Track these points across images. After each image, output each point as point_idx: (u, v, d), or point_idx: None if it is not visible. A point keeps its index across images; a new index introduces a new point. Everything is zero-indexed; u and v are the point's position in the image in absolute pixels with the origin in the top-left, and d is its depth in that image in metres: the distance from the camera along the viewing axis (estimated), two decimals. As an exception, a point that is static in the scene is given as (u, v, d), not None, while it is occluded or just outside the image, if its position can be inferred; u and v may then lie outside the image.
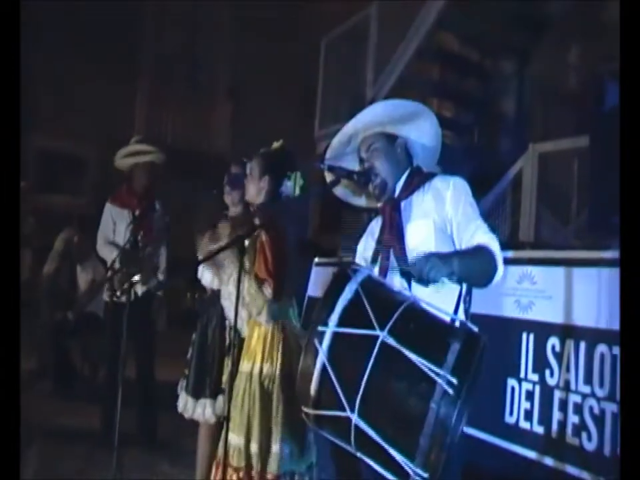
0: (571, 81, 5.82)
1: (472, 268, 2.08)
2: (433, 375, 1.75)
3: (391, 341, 1.81)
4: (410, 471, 1.76)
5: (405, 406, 1.78)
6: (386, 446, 1.79)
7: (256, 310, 3.11)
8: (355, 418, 1.81)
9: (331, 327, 1.85)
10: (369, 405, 1.79)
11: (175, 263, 5.06)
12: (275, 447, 3.06)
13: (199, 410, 3.66)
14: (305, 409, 1.91)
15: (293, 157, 3.40)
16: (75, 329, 6.36)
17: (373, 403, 1.80)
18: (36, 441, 4.63)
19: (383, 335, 1.81)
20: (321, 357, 1.84)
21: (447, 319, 1.98)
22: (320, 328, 1.86)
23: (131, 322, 4.50)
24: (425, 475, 1.74)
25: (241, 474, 3.02)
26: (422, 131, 2.38)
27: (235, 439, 3.05)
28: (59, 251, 6.76)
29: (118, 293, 4.35)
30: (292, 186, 3.28)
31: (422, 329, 1.90)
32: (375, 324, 1.83)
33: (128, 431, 4.20)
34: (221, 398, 3.58)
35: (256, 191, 3.31)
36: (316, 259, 5.41)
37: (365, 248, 2.44)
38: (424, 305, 1.99)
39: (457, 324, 1.99)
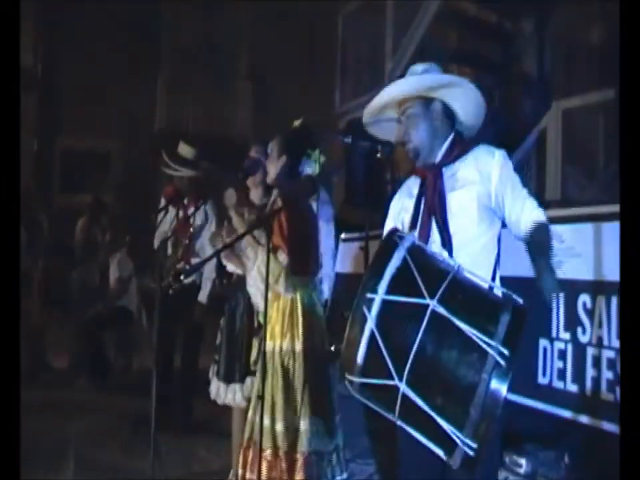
0: (593, 35, 5.66)
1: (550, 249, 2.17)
2: (484, 345, 1.74)
3: (442, 310, 1.80)
4: (458, 441, 1.75)
5: (456, 376, 1.77)
6: (434, 415, 1.77)
7: (273, 278, 3.08)
8: (403, 387, 1.79)
9: (380, 294, 1.83)
10: (417, 373, 1.78)
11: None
12: (303, 425, 3.04)
13: (230, 395, 3.69)
14: (350, 377, 1.89)
15: (312, 135, 3.37)
16: (108, 323, 6.47)
17: (422, 372, 1.78)
18: (73, 436, 4.73)
19: (433, 304, 1.80)
20: (370, 325, 1.82)
21: (486, 285, 1.98)
22: (369, 295, 1.84)
23: (177, 312, 4.59)
24: (474, 445, 1.74)
25: (269, 456, 3.03)
26: (460, 95, 2.34)
27: (266, 421, 3.03)
28: (79, 241, 6.87)
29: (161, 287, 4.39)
30: (312, 164, 3.26)
31: (470, 298, 1.89)
32: (425, 292, 1.82)
33: (164, 418, 4.28)
34: (249, 381, 3.59)
35: (275, 171, 3.30)
36: (342, 235, 5.37)
37: (401, 209, 2.40)
38: (467, 274, 1.98)
39: (500, 294, 2.00)
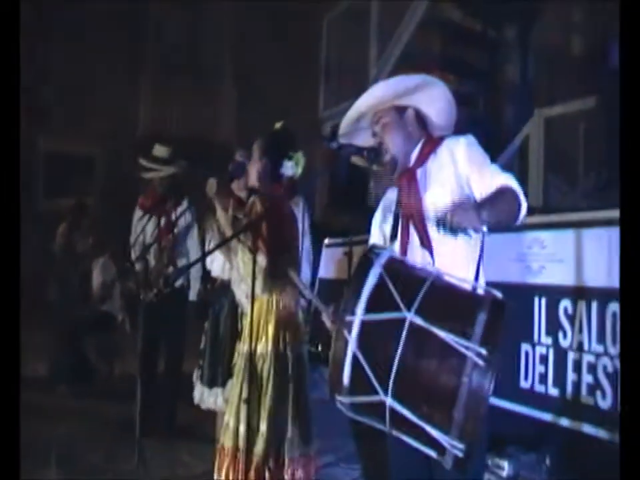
0: (575, 43, 5.74)
1: (500, 211, 2.08)
2: (462, 349, 1.78)
3: (419, 321, 1.83)
4: (446, 444, 1.79)
5: (437, 383, 1.80)
6: (421, 423, 1.81)
7: (250, 279, 3.10)
8: (389, 400, 1.83)
9: (358, 316, 1.87)
10: (401, 386, 1.82)
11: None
12: (262, 426, 3.08)
13: (212, 399, 3.70)
14: (339, 398, 1.94)
15: (292, 138, 3.39)
16: (91, 328, 6.44)
17: (406, 384, 1.82)
18: (54, 442, 4.68)
19: (410, 316, 1.83)
20: (351, 347, 1.86)
21: (469, 287, 2.00)
22: (348, 318, 1.88)
23: (160, 316, 4.57)
24: (461, 446, 1.77)
25: (227, 452, 3.09)
26: (432, 98, 2.37)
27: (232, 420, 3.09)
28: (59, 245, 6.83)
29: (142, 293, 4.38)
30: (293, 166, 3.27)
31: (447, 303, 1.92)
32: (402, 305, 1.85)
33: (148, 423, 4.26)
34: (230, 384, 3.60)
35: (257, 174, 3.31)
36: (326, 240, 5.39)
37: (382, 223, 2.43)
38: (447, 278, 2.00)
39: (481, 291, 2.01)
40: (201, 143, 10.35)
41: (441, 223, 2.04)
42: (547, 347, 3.10)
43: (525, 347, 3.21)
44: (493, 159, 5.14)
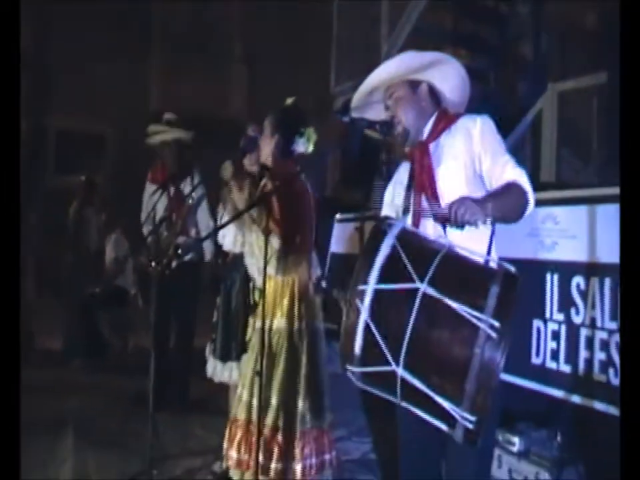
0: (589, 17, 5.63)
1: (505, 207, 2.09)
2: (475, 320, 1.77)
3: (432, 291, 1.82)
4: (457, 416, 1.78)
5: (449, 354, 1.79)
6: (432, 394, 1.80)
7: (264, 261, 3.10)
8: (400, 371, 1.83)
9: (371, 285, 1.86)
10: (413, 356, 1.81)
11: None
12: (273, 401, 3.10)
13: (226, 373, 3.71)
14: (350, 367, 1.93)
15: (304, 113, 3.36)
16: (104, 303, 6.46)
17: (418, 354, 1.81)
18: (71, 415, 4.76)
19: (423, 287, 1.82)
20: (363, 316, 1.85)
21: (482, 260, 1.99)
22: (360, 287, 1.87)
23: (172, 290, 4.59)
24: (472, 419, 1.76)
25: (242, 426, 3.12)
26: (445, 74, 2.37)
27: (245, 393, 3.10)
28: (72, 222, 6.86)
29: (153, 264, 4.39)
30: (304, 142, 3.24)
31: (460, 275, 1.91)
32: (415, 276, 1.84)
33: (161, 396, 4.29)
34: (244, 358, 3.61)
35: (269, 150, 3.28)
36: (337, 215, 5.37)
37: (394, 196, 2.43)
38: (459, 250, 1.99)
39: (494, 265, 2.00)
40: (211, 120, 10.29)
41: (446, 218, 2.03)
42: (559, 323, 3.06)
43: (536, 323, 3.18)
44: (506, 135, 5.09)
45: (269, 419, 3.08)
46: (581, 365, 2.90)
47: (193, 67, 12.07)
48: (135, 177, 5.53)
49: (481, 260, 2.00)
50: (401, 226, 2.01)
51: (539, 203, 3.31)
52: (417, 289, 1.82)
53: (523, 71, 6.02)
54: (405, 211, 2.30)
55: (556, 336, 3.07)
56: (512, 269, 1.92)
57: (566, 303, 3.04)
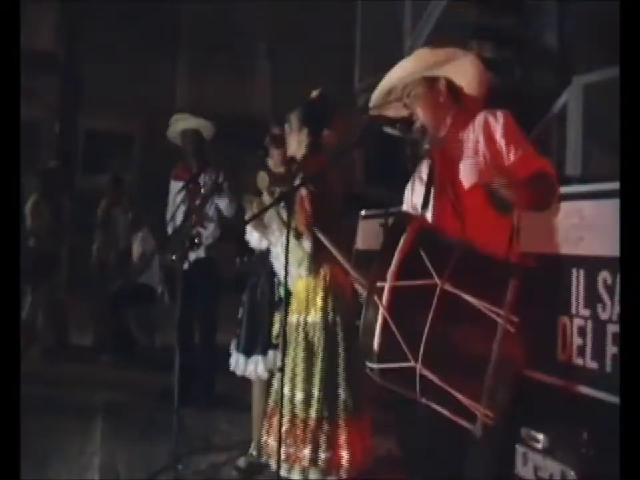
0: (614, 9, 5.50)
1: (536, 196, 2.10)
2: (493, 315, 1.75)
3: (450, 288, 1.81)
4: (477, 412, 1.77)
5: (468, 349, 1.79)
6: (452, 390, 1.79)
7: (296, 262, 3.10)
8: (419, 367, 1.81)
9: (389, 281, 1.85)
10: (432, 352, 1.80)
11: (226, 228, 5.09)
12: (317, 394, 3.09)
13: (251, 367, 3.70)
14: (370, 364, 1.92)
15: (331, 105, 3.32)
16: (131, 300, 6.52)
17: (437, 350, 1.80)
18: (100, 409, 4.84)
19: (441, 282, 1.81)
20: (382, 312, 1.84)
21: (500, 255, 1.98)
22: (379, 283, 1.86)
23: (195, 286, 4.61)
24: (492, 414, 1.76)
25: (286, 421, 3.08)
26: (462, 69, 2.35)
27: (287, 389, 3.09)
28: (100, 221, 6.92)
29: (174, 257, 4.40)
30: (332, 134, 3.20)
31: (479, 270, 1.89)
32: (433, 272, 1.83)
33: (187, 392, 4.32)
34: (271, 353, 3.60)
35: (296, 144, 3.25)
36: (363, 212, 5.33)
37: (414, 193, 2.41)
38: (478, 247, 1.97)
39: (513, 260, 2.00)
40: (235, 118, 10.30)
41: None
42: (585, 319, 3.00)
43: (562, 319, 3.11)
44: (531, 128, 5.00)
45: (313, 411, 3.08)
46: (608, 361, 2.83)
47: (218, 66, 12.11)
48: (162, 176, 5.57)
49: (499, 256, 1.99)
50: (419, 222, 2.01)
51: (564, 197, 3.27)
52: (435, 285, 1.81)
53: (548, 63, 5.92)
54: (424, 206, 2.28)
55: (582, 332, 3.00)
56: (531, 264, 1.95)
57: (592, 299, 2.97)
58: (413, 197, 2.40)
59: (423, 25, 7.51)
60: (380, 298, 1.85)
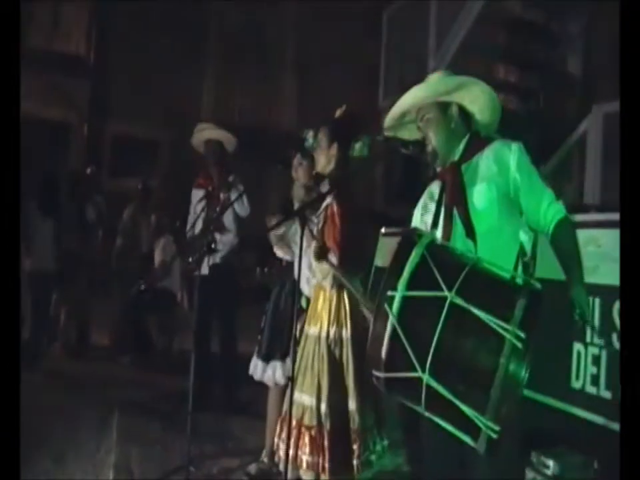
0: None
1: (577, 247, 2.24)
2: (501, 330, 1.76)
3: (459, 301, 1.82)
4: (481, 425, 1.77)
5: (475, 362, 1.79)
6: (457, 402, 1.80)
7: (321, 275, 3.12)
8: (426, 377, 1.82)
9: (400, 291, 1.86)
10: (439, 363, 1.81)
11: (246, 239, 5.10)
12: (351, 404, 3.08)
13: (269, 372, 3.71)
14: (376, 373, 1.92)
15: (358, 120, 3.35)
16: (151, 305, 6.55)
17: (444, 362, 1.81)
18: (116, 409, 4.84)
19: (451, 296, 1.82)
20: (392, 321, 1.85)
21: (508, 276, 1.98)
22: (389, 292, 1.88)
23: (210, 292, 4.61)
24: (496, 428, 1.75)
25: (313, 432, 3.07)
26: (474, 96, 2.38)
27: (307, 399, 3.10)
28: (125, 225, 6.97)
29: (190, 259, 4.42)
30: (361, 148, 3.23)
31: (488, 287, 1.91)
32: (443, 285, 1.84)
33: (203, 397, 4.33)
34: (289, 360, 3.60)
35: (326, 160, 3.28)
36: (382, 229, 5.32)
37: (424, 212, 2.44)
38: (487, 265, 1.99)
39: (520, 281, 2.00)
40: (260, 130, 10.37)
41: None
42: (600, 347, 2.97)
43: (577, 346, 3.09)
44: (552, 153, 4.96)
45: (355, 425, 3.06)
46: (622, 392, 2.80)
47: (245, 77, 12.18)
48: (185, 183, 5.59)
49: (507, 276, 2.00)
50: (430, 237, 2.03)
51: (582, 226, 3.24)
52: (445, 298, 1.83)
53: (570, 91, 5.89)
54: (433, 226, 2.31)
55: (597, 361, 2.98)
56: (538, 285, 1.91)
57: (607, 328, 2.95)
58: (424, 216, 2.42)
59: (447, 46, 7.50)
60: (390, 307, 1.86)
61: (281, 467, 3.22)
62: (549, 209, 2.24)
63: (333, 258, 3.06)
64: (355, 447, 3.06)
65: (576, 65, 5.93)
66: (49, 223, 6.49)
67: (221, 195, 4.89)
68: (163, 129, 11.69)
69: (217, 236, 4.63)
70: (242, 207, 4.91)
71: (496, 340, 1.76)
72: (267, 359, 3.76)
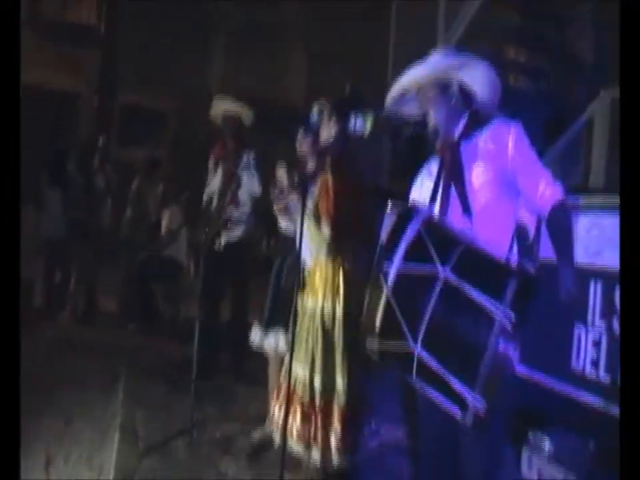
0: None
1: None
2: (492, 309, 1.78)
3: (453, 278, 1.83)
4: (469, 399, 1.79)
5: (466, 338, 1.82)
6: (447, 375, 1.82)
7: (315, 247, 3.10)
8: (418, 349, 1.84)
9: (395, 264, 1.89)
10: (431, 337, 1.83)
11: (254, 212, 5.08)
12: (339, 381, 3.09)
13: (271, 340, 3.71)
14: (370, 342, 1.96)
15: (361, 96, 3.34)
16: (157, 273, 6.56)
17: (435, 336, 1.83)
18: (123, 374, 4.89)
19: (444, 272, 1.84)
20: (386, 292, 1.87)
21: (503, 257, 2.00)
22: (385, 265, 1.90)
23: (224, 265, 4.62)
24: (483, 403, 1.78)
25: (305, 404, 3.11)
26: (474, 75, 2.38)
27: (301, 372, 3.12)
28: (133, 196, 6.95)
29: (207, 230, 4.43)
30: (361, 125, 3.20)
31: (481, 266, 1.92)
32: (437, 262, 1.86)
33: (207, 364, 4.37)
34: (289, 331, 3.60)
35: (327, 134, 3.28)
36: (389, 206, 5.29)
37: (422, 187, 2.44)
38: (481, 244, 2.00)
39: (513, 263, 2.02)
40: (270, 103, 10.24)
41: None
42: (601, 331, 2.96)
43: (578, 329, 3.08)
44: (560, 135, 4.88)
45: (341, 400, 3.09)
46: (621, 376, 2.80)
47: (254, 51, 12.03)
48: (192, 153, 5.56)
49: (502, 256, 2.01)
50: (426, 213, 2.05)
51: (586, 209, 3.21)
52: (438, 274, 1.85)
53: (581, 73, 5.80)
54: (432, 201, 2.31)
55: (597, 344, 2.97)
56: (531, 269, 1.92)
57: (608, 311, 2.94)
58: (422, 191, 2.42)
59: (457, 25, 7.37)
60: (385, 280, 1.88)
61: (275, 435, 3.25)
62: (545, 190, 2.23)
63: (326, 228, 3.06)
64: (339, 425, 3.07)
65: (587, 48, 5.84)
66: (58, 192, 6.47)
67: (235, 170, 4.87)
68: (171, 99, 11.60)
69: (233, 211, 4.65)
70: (254, 184, 4.89)
71: (487, 319, 1.77)
72: (267, 327, 3.77)
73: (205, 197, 5.04)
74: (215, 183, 4.97)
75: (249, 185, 4.91)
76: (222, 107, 5.05)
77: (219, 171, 4.97)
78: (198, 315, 3.90)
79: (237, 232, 4.90)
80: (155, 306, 6.63)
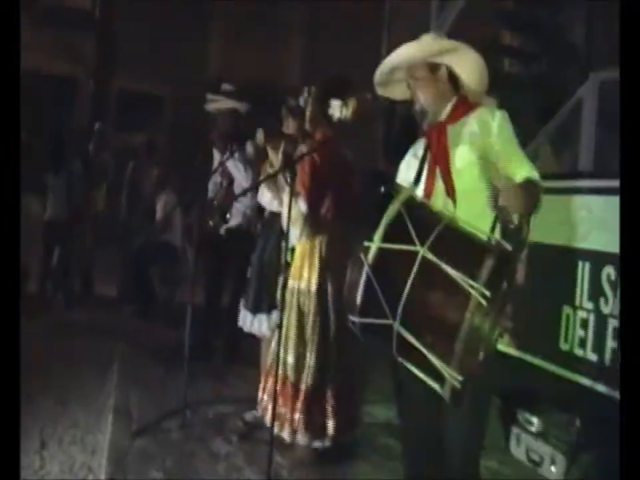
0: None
1: (525, 202, 2.11)
2: (468, 287, 1.79)
3: (431, 256, 1.86)
4: (446, 374, 1.81)
5: (443, 315, 1.84)
6: (425, 351, 1.85)
7: (292, 223, 3.08)
8: (397, 325, 1.87)
9: (375, 242, 1.91)
10: (409, 313, 1.86)
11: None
12: (308, 360, 3.10)
13: (256, 325, 3.70)
14: (352, 317, 1.98)
15: (346, 82, 3.33)
16: (153, 256, 6.52)
17: (414, 312, 1.86)
18: (117, 356, 4.88)
19: (423, 250, 1.87)
20: (366, 269, 1.90)
21: (484, 237, 2.00)
22: (365, 243, 1.93)
23: (223, 252, 4.59)
24: (460, 379, 1.80)
25: (288, 385, 3.13)
26: (463, 61, 2.37)
27: (289, 353, 3.14)
28: (128, 180, 6.93)
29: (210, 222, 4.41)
30: (340, 108, 3.19)
31: (459, 245, 1.95)
32: (416, 240, 1.89)
33: (200, 347, 4.37)
34: (275, 313, 3.58)
35: (310, 115, 3.28)
36: (382, 188, 5.24)
37: (408, 168, 2.44)
38: (462, 225, 2.01)
39: (492, 242, 2.00)
40: (266, 87, 10.17)
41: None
42: (588, 311, 2.95)
43: (566, 309, 3.06)
44: (549, 118, 4.83)
45: (303, 376, 3.10)
46: (607, 355, 2.79)
47: (252, 36, 11.90)
48: (189, 139, 5.50)
49: (481, 236, 2.01)
50: (408, 193, 2.05)
51: (575, 191, 3.19)
52: (417, 252, 1.87)
53: (573, 57, 5.74)
54: (416, 182, 2.31)
55: (584, 324, 2.96)
56: (508, 247, 1.93)
57: (596, 292, 2.92)
58: (408, 172, 2.42)
59: (450, 10, 7.30)
60: (366, 256, 1.91)
61: (265, 418, 3.24)
62: (526, 171, 2.20)
63: (302, 204, 3.05)
64: (329, 405, 3.07)
65: (579, 32, 5.77)
66: (58, 176, 6.43)
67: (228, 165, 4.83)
68: (168, 84, 11.48)
69: (233, 204, 4.63)
70: (246, 177, 4.84)
71: (462, 296, 1.80)
72: (254, 311, 3.75)
73: (210, 186, 4.99)
74: (216, 175, 4.93)
75: (240, 178, 4.86)
76: (215, 105, 4.98)
77: (218, 164, 4.92)
78: (190, 297, 3.88)
79: (233, 221, 4.87)
80: (151, 290, 6.59)
